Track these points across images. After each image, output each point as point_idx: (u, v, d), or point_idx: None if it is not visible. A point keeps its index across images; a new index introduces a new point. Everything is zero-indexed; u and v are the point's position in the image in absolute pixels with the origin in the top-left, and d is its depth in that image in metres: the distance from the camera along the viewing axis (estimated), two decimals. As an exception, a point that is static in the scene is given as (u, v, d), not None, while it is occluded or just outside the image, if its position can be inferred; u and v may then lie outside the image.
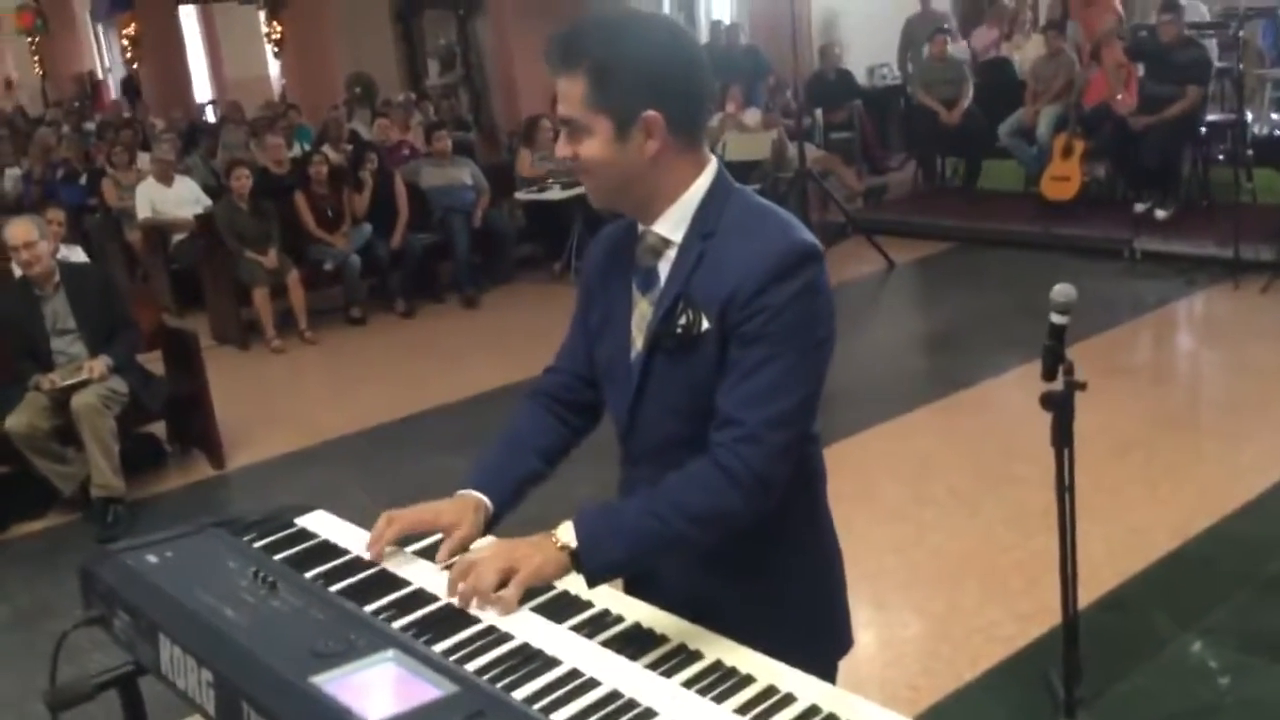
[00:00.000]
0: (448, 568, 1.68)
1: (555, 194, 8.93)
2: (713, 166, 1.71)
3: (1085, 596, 3.06)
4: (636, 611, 1.62)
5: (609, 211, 1.75)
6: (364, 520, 1.91)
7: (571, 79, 1.61)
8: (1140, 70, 8.64)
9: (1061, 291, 2.41)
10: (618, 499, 1.81)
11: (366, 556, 1.77)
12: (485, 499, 1.80)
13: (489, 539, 1.77)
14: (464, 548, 1.73)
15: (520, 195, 9.20)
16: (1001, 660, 3.42)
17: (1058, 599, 2.84)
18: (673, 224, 1.69)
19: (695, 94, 1.66)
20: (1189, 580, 3.81)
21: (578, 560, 1.59)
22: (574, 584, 1.65)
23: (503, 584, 1.59)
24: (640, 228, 1.73)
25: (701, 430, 1.64)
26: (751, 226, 1.65)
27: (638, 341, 1.73)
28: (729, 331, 1.61)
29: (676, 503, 1.59)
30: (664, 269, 1.70)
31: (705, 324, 1.63)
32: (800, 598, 1.78)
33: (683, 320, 1.65)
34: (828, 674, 1.74)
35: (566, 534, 1.61)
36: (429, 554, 1.78)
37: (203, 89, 19.03)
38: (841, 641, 1.85)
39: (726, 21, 13.22)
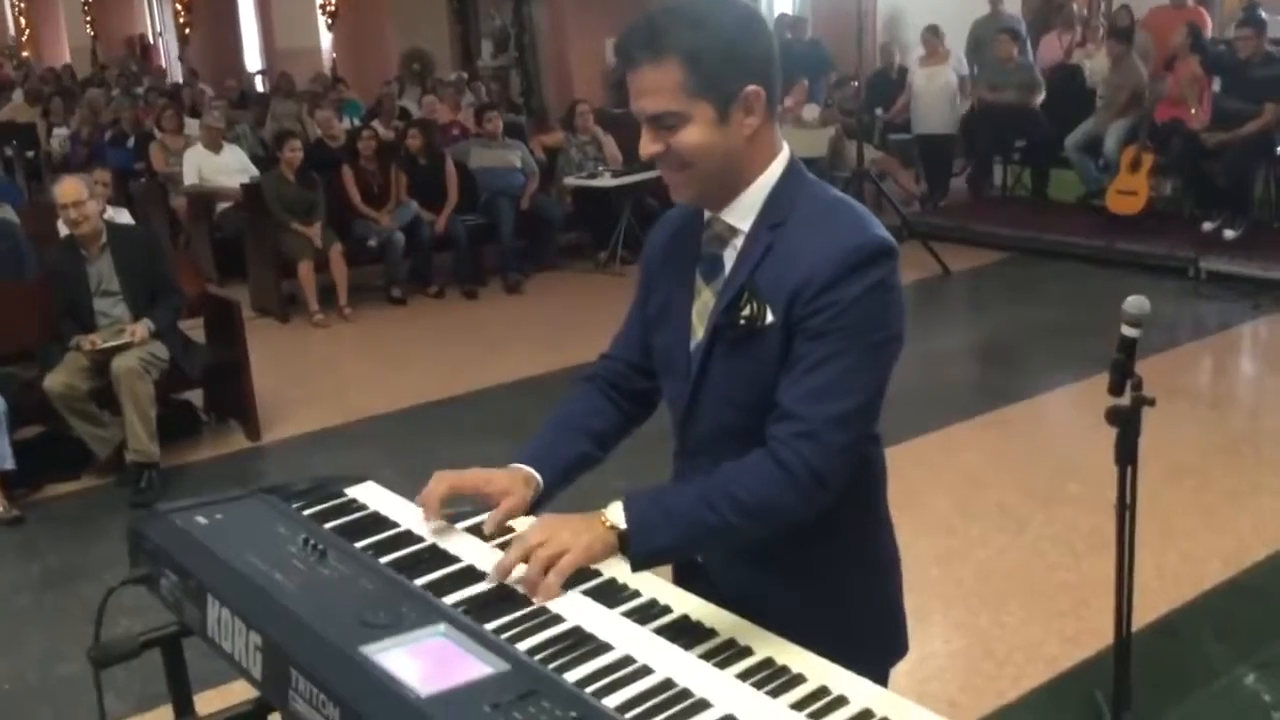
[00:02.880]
0: (499, 546, 1.69)
1: (605, 181, 8.94)
2: (785, 154, 1.70)
3: (1136, 621, 3.03)
4: (685, 603, 1.62)
5: (664, 200, 1.74)
6: (398, 500, 1.92)
7: (661, 68, 1.58)
8: (1215, 85, 8.53)
9: (1135, 304, 2.39)
10: (666, 485, 1.82)
11: (416, 530, 1.79)
12: (537, 475, 1.80)
13: (532, 518, 1.77)
14: (512, 517, 1.75)
15: (570, 181, 9.22)
16: (1045, 681, 3.40)
17: (1105, 622, 2.82)
18: (741, 212, 1.68)
19: (777, 70, 1.66)
20: (1244, 611, 3.77)
21: (624, 543, 1.60)
22: (621, 571, 1.66)
23: (547, 569, 1.59)
24: (707, 214, 1.73)
25: (760, 424, 1.64)
26: (824, 219, 1.64)
27: (698, 331, 1.72)
28: (794, 325, 1.61)
29: (730, 494, 1.59)
30: (729, 258, 1.70)
31: (770, 317, 1.62)
32: (857, 600, 1.78)
33: (746, 311, 1.64)
34: (880, 679, 1.74)
35: (616, 515, 1.61)
36: (477, 532, 1.79)
37: (253, 58, 19.22)
38: (897, 647, 1.85)
39: (791, 13, 13.19)
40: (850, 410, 1.60)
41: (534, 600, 1.57)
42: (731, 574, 1.74)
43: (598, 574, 1.66)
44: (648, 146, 1.64)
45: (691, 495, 1.61)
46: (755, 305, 1.64)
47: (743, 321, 1.65)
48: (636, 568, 1.62)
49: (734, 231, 1.69)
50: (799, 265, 1.60)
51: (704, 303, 1.72)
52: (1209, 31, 10.03)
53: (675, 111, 1.60)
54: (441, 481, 1.79)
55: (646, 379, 1.90)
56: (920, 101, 10.48)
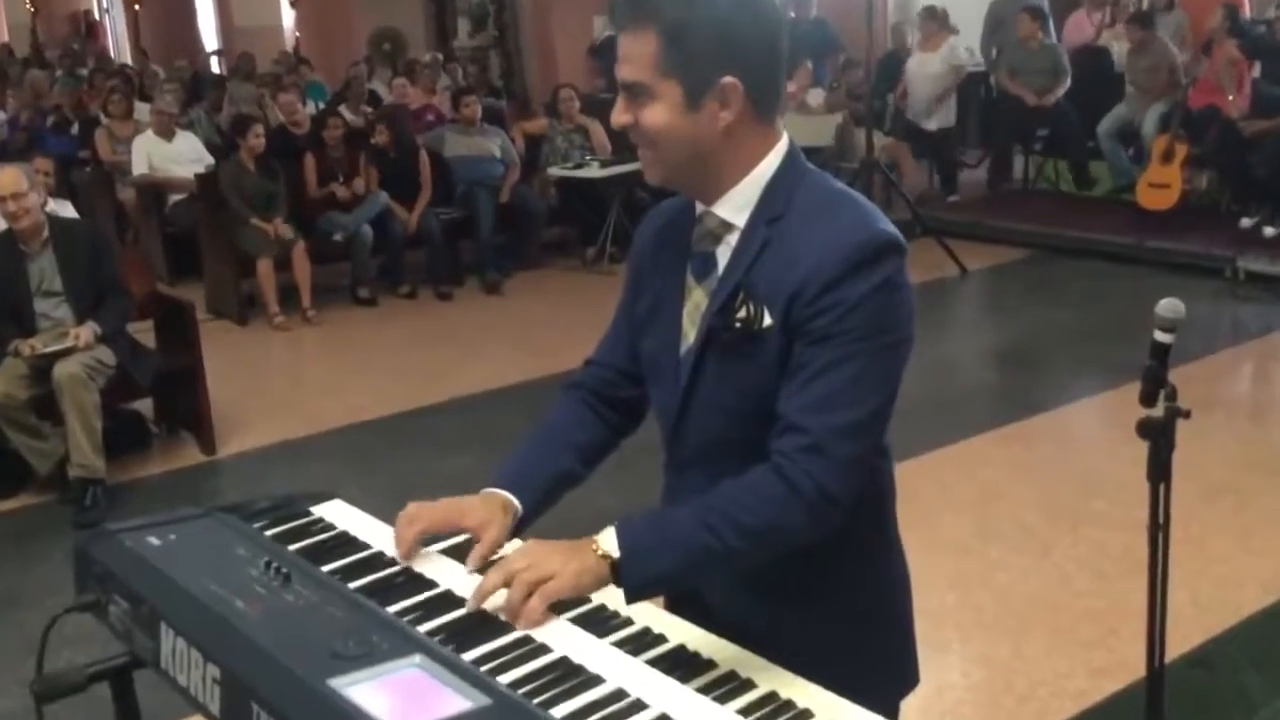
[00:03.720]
0: (479, 571, 1.70)
1: (593, 171, 8.96)
2: (784, 145, 1.70)
3: (1169, 652, 3.04)
4: (681, 632, 1.62)
5: (655, 193, 1.75)
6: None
7: (640, 37, 1.60)
8: (1256, 70, 8.57)
9: (1169, 306, 2.39)
10: (661, 507, 1.82)
11: (389, 552, 1.79)
12: (514, 499, 1.80)
13: (515, 543, 1.78)
14: (495, 552, 1.74)
15: (554, 171, 9.23)
16: (1071, 717, 3.41)
17: (1135, 652, 2.82)
18: (736, 206, 1.68)
19: (776, 62, 1.66)
20: (1285, 641, 3.79)
21: (617, 572, 1.59)
22: (611, 597, 1.66)
23: (530, 594, 1.58)
24: (699, 208, 1.73)
25: (757, 435, 1.64)
26: (825, 213, 1.65)
27: (690, 334, 1.72)
28: (795, 328, 1.61)
29: (732, 516, 1.58)
30: (723, 255, 1.70)
31: (768, 319, 1.63)
32: (863, 627, 1.78)
33: (742, 313, 1.64)
34: (890, 713, 1.75)
35: (608, 541, 1.60)
36: (454, 553, 1.79)
37: (209, 38, 19.20)
38: (907, 678, 1.86)
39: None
40: (859, 420, 1.59)
41: (516, 628, 1.57)
42: (729, 600, 1.75)
43: (586, 600, 1.66)
44: (618, 115, 1.67)
45: (690, 518, 1.60)
46: (752, 306, 1.64)
47: (738, 324, 1.64)
48: (632, 599, 1.61)
49: (728, 227, 1.69)
50: (799, 263, 1.61)
51: (695, 304, 1.72)
52: (1247, 12, 10.09)
53: (644, 84, 1.61)
54: (412, 524, 1.78)
55: (634, 386, 1.90)
56: (912, 92, 10.47)
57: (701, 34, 1.58)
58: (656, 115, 1.62)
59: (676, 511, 1.66)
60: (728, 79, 1.60)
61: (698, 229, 1.73)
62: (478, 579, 1.66)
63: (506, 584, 1.59)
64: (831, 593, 1.75)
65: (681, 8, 1.58)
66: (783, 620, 1.73)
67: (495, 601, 1.61)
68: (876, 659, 1.79)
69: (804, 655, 1.58)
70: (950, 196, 10.21)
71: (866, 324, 1.58)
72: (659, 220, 1.85)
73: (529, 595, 1.58)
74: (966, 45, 11.98)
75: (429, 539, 1.81)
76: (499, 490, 1.80)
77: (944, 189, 10.40)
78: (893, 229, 1.63)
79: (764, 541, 1.60)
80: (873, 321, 1.58)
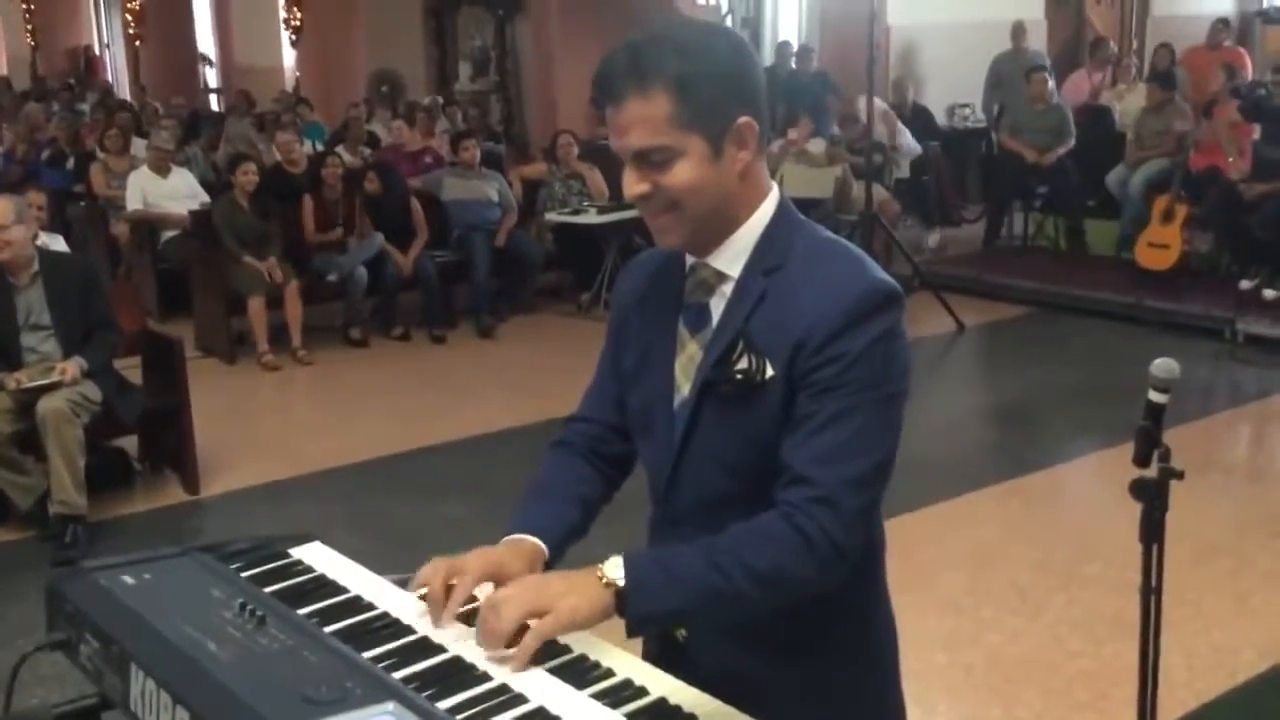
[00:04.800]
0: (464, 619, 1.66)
1: (590, 218, 9.00)
2: (776, 194, 1.71)
3: (1162, 715, 3.01)
4: (661, 685, 1.60)
5: (652, 240, 1.73)
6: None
7: (647, 100, 1.58)
8: (1256, 132, 8.64)
9: (1163, 366, 2.39)
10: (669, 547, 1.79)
11: (366, 596, 1.77)
12: (542, 545, 1.75)
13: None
14: None
15: (551, 217, 9.27)
16: (1061, 781, 3.39)
17: (1127, 716, 2.80)
18: (731, 256, 1.68)
19: (765, 100, 1.67)
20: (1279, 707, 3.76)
21: (621, 602, 1.56)
22: (592, 647, 1.63)
23: (525, 628, 1.54)
24: (689, 260, 1.73)
25: (754, 489, 1.64)
26: (823, 264, 1.65)
27: (684, 387, 1.72)
28: (798, 380, 1.61)
29: (743, 559, 1.56)
30: (716, 306, 1.70)
31: (770, 370, 1.62)
32: (852, 684, 1.77)
33: (742, 365, 1.64)
34: (876, 775, 1.73)
35: (615, 570, 1.57)
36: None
37: (210, 76, 19.34)
38: None
39: (795, 42, 13.36)
40: (866, 471, 1.60)
41: (502, 668, 1.53)
42: (713, 650, 1.73)
43: (566, 649, 1.64)
44: (633, 187, 1.64)
45: (699, 557, 1.58)
46: (753, 358, 1.63)
47: (739, 375, 1.64)
48: (633, 633, 1.60)
49: (722, 278, 1.69)
50: (801, 314, 1.61)
51: (690, 356, 1.71)
52: (1248, 74, 10.19)
53: (666, 146, 1.59)
54: (461, 586, 1.66)
55: (625, 441, 1.89)
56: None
57: (707, 82, 1.59)
58: (684, 173, 1.60)
59: (684, 549, 1.63)
60: (742, 119, 1.61)
61: (690, 280, 1.73)
62: (458, 626, 1.63)
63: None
64: (819, 645, 1.74)
65: (684, 61, 1.58)
66: (767, 674, 1.71)
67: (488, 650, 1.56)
68: (863, 716, 1.77)
69: (786, 710, 1.57)
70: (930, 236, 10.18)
71: (870, 374, 1.59)
72: (641, 272, 1.84)
73: (524, 627, 1.54)
74: (967, 102, 12.13)
75: (406, 581, 1.79)
76: (526, 536, 1.75)
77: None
78: (889, 279, 1.65)
79: (773, 587, 1.58)
80: (875, 372, 1.60)
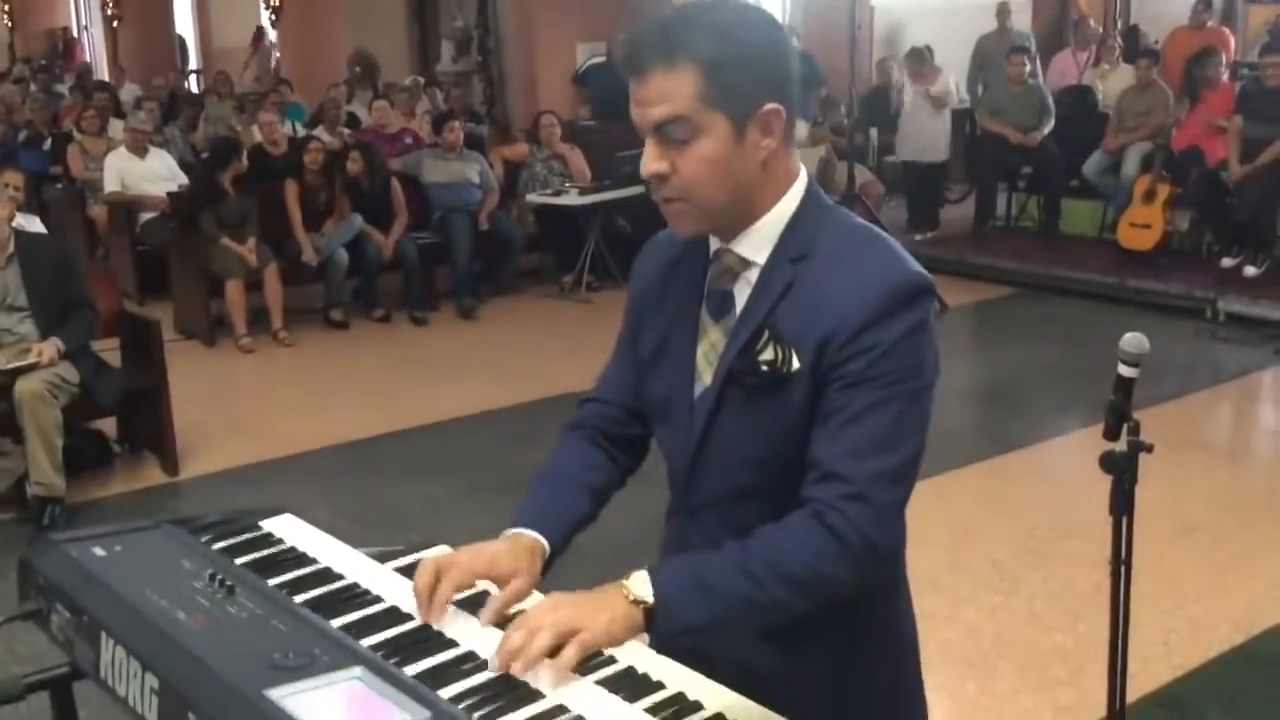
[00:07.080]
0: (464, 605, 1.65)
1: (571, 199, 9.00)
2: (803, 179, 1.67)
3: (1136, 690, 3.06)
4: (669, 675, 1.54)
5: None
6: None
7: (674, 74, 1.54)
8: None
9: (1132, 341, 2.42)
10: (666, 554, 1.77)
11: (336, 567, 1.79)
12: (543, 540, 1.71)
13: (534, 595, 1.68)
14: (519, 601, 1.64)
15: (533, 198, 9.27)
16: (1036, 755, 3.42)
17: (1103, 691, 2.82)
18: (756, 243, 1.64)
19: (798, 89, 1.63)
20: (1254, 681, 3.81)
21: (650, 618, 1.52)
22: (630, 656, 1.58)
23: (558, 647, 1.48)
24: (714, 244, 1.69)
25: (777, 482, 1.62)
26: (854, 253, 1.62)
27: (705, 376, 1.68)
28: (826, 372, 1.57)
29: (777, 565, 1.53)
30: (741, 293, 1.66)
31: (796, 362, 1.59)
32: (872, 677, 1.75)
33: (767, 355, 1.60)
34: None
35: (641, 587, 1.53)
36: (409, 573, 1.73)
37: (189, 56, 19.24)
38: None
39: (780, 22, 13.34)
40: (898, 465, 1.57)
41: (539, 686, 1.47)
42: (729, 644, 1.65)
43: (612, 661, 1.57)
44: (651, 164, 1.59)
45: (729, 566, 1.54)
46: (779, 349, 1.60)
47: (765, 367, 1.60)
48: (663, 649, 1.57)
49: (746, 264, 1.65)
50: (830, 305, 1.57)
51: (711, 343, 1.68)
52: (1232, 54, 10.21)
53: (686, 118, 1.55)
54: (446, 581, 1.63)
55: (641, 424, 1.84)
56: (907, 125, 10.58)
57: (738, 63, 1.55)
58: (705, 151, 1.56)
59: (712, 557, 1.58)
60: (770, 105, 1.58)
61: (714, 266, 1.69)
62: (491, 631, 1.58)
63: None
64: (840, 638, 1.70)
65: (718, 41, 1.55)
66: (789, 672, 1.67)
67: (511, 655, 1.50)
68: (884, 708, 1.77)
69: (807, 704, 1.57)
70: (918, 235, 10.23)
71: (901, 367, 1.56)
72: (660, 254, 1.79)
73: (557, 644, 1.48)
74: (954, 80, 12.12)
75: (384, 555, 1.81)
76: (526, 531, 1.71)
77: (925, 226, 10.46)
78: (922, 270, 1.62)
79: (810, 592, 1.55)
80: (906, 365, 1.57)
